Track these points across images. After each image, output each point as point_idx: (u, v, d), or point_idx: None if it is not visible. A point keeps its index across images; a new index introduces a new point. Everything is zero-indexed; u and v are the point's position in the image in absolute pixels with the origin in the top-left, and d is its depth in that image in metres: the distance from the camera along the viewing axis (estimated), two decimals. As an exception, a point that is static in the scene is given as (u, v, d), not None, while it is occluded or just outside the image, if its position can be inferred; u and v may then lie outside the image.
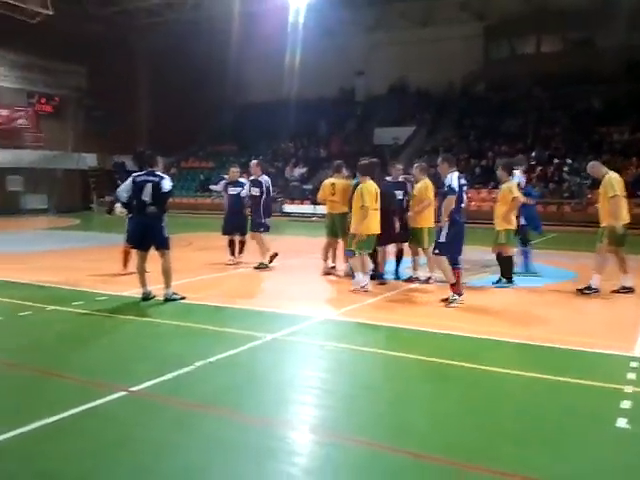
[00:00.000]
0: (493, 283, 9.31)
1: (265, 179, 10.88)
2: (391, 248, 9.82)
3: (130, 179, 8.14)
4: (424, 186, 9.24)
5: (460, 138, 28.82)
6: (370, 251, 8.99)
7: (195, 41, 31.73)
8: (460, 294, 7.88)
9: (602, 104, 26.81)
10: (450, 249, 7.94)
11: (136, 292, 8.43)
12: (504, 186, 9.13)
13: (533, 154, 25.29)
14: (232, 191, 11.53)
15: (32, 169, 28.91)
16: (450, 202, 7.76)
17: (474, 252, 11.16)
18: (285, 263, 11.43)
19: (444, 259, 7.91)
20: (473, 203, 21.45)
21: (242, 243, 11.65)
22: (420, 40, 30.70)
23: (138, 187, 7.96)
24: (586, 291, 8.51)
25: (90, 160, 31.78)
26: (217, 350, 5.74)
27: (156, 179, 7.94)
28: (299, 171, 29.60)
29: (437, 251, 7.97)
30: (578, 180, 23.25)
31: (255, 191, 10.75)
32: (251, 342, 6.13)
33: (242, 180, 11.65)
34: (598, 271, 8.53)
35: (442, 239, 7.88)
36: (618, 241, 8.42)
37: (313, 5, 24.99)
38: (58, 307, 7.72)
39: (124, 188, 8.14)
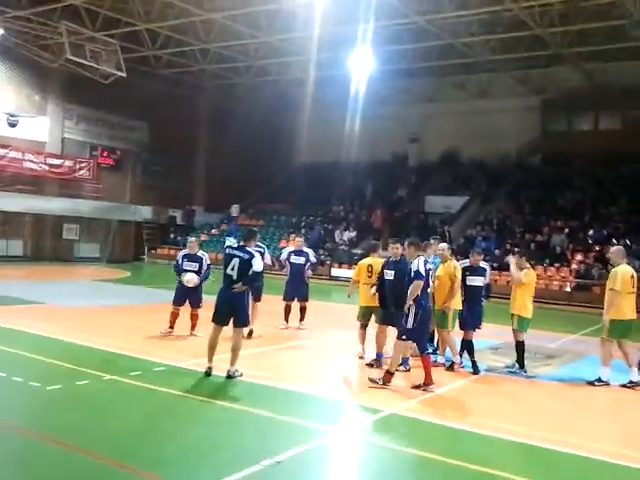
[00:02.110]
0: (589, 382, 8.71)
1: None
2: None
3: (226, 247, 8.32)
4: (451, 265, 9.18)
5: (515, 211, 28.39)
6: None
7: (255, 103, 32.66)
8: (430, 384, 7.75)
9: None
10: (417, 335, 7.84)
11: (193, 364, 8.29)
12: None
13: (591, 232, 24.67)
14: (295, 260, 12.01)
15: (89, 219, 29.68)
16: (417, 287, 7.67)
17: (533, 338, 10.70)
18: (344, 336, 11.17)
19: (405, 344, 7.94)
20: (541, 281, 20.56)
21: (303, 309, 12.06)
22: (476, 111, 30.80)
23: (227, 259, 7.93)
24: (596, 383, 8.47)
25: (146, 212, 32.47)
26: (283, 446, 5.45)
27: (246, 256, 7.84)
28: (348, 235, 29.54)
29: (404, 337, 7.82)
30: (638, 263, 22.44)
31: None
32: (318, 438, 5.84)
33: (305, 250, 12.24)
34: (605, 363, 8.53)
35: (409, 325, 7.74)
36: (620, 334, 8.49)
37: (372, 75, 25.43)
38: (116, 377, 7.58)
39: None
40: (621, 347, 8.60)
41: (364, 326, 9.52)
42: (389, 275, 8.56)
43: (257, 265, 7.83)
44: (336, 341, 11.25)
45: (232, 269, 7.84)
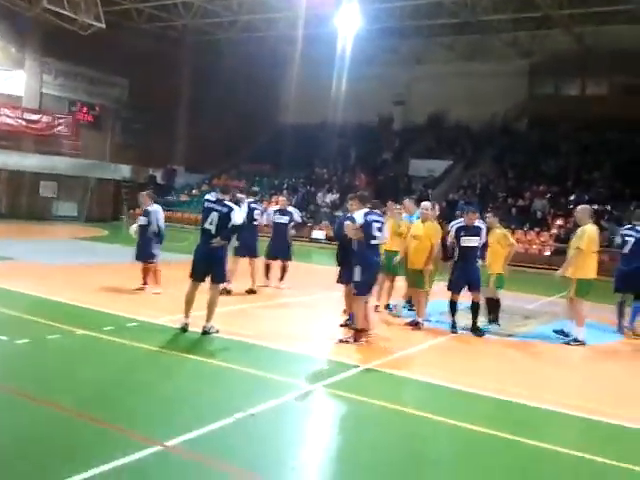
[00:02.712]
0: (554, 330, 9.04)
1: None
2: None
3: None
4: (432, 227, 9.03)
5: (498, 175, 28.30)
6: None
7: (239, 61, 31.92)
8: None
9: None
10: (366, 287, 7.72)
11: (168, 320, 8.12)
12: None
13: (572, 197, 24.67)
14: (279, 219, 11.84)
15: (66, 176, 29.07)
16: (347, 227, 7.62)
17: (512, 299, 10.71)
18: (324, 296, 11.06)
19: (361, 301, 7.71)
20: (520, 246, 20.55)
21: (284, 268, 11.93)
22: (464, 74, 30.39)
23: (205, 214, 7.68)
24: (572, 343, 8.48)
25: (125, 171, 31.87)
26: (258, 400, 5.33)
27: (224, 209, 7.61)
28: (331, 197, 29.31)
29: (354, 292, 7.73)
30: (618, 228, 22.52)
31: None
32: (292, 392, 5.74)
33: (290, 209, 12.08)
34: (579, 323, 8.55)
35: (356, 278, 7.64)
36: (584, 293, 8.59)
37: (360, 33, 24.87)
38: (88, 332, 7.38)
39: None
40: (574, 305, 8.66)
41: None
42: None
43: (236, 218, 7.62)
44: (315, 301, 11.12)
45: (210, 223, 7.61)
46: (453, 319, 8.82)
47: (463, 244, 8.72)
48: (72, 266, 13.40)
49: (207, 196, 7.99)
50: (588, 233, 8.54)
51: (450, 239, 8.89)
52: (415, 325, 8.86)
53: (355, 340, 7.68)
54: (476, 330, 8.66)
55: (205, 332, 7.59)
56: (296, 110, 34.22)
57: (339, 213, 26.70)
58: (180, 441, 4.38)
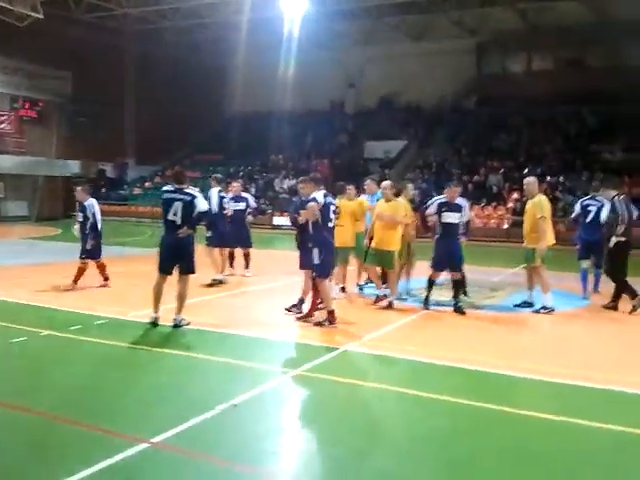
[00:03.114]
0: (515, 305, 9.13)
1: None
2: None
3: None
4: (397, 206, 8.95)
5: (452, 153, 28.62)
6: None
7: (185, 49, 31.28)
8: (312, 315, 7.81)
9: (595, 124, 26.80)
10: (326, 269, 7.68)
11: (134, 315, 7.91)
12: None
13: (525, 171, 25.14)
14: (235, 206, 11.47)
15: (13, 175, 28.03)
16: (311, 208, 7.52)
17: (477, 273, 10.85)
18: (291, 281, 10.95)
19: (325, 283, 7.67)
20: (478, 220, 20.84)
21: (246, 255, 11.77)
22: (412, 54, 30.51)
23: (166, 204, 7.44)
24: (542, 311, 8.63)
25: (73, 167, 30.93)
26: (238, 389, 5.22)
27: (187, 197, 7.40)
28: (288, 183, 29.12)
29: (314, 274, 7.73)
30: (572, 199, 23.11)
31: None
32: (273, 379, 5.66)
33: (244, 195, 11.85)
34: (546, 290, 8.75)
35: (316, 261, 7.62)
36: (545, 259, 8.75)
37: (307, 16, 24.61)
38: (55, 332, 7.12)
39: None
40: (538, 273, 8.80)
41: (340, 267, 9.46)
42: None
43: (201, 205, 7.45)
44: (283, 287, 10.99)
45: (175, 214, 7.39)
46: (428, 295, 8.82)
47: (444, 220, 8.59)
48: (26, 266, 12.92)
49: (165, 187, 7.75)
50: (545, 201, 8.76)
51: (431, 213, 8.79)
52: (388, 305, 8.84)
53: (330, 322, 7.63)
54: (458, 309, 8.58)
55: (176, 325, 7.41)
56: (246, 97, 33.71)
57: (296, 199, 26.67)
58: (165, 437, 4.25)
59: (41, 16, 22.95)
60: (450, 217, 8.60)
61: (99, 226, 10.12)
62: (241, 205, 11.65)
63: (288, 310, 8.33)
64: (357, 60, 32.72)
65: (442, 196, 8.84)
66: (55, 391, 5.34)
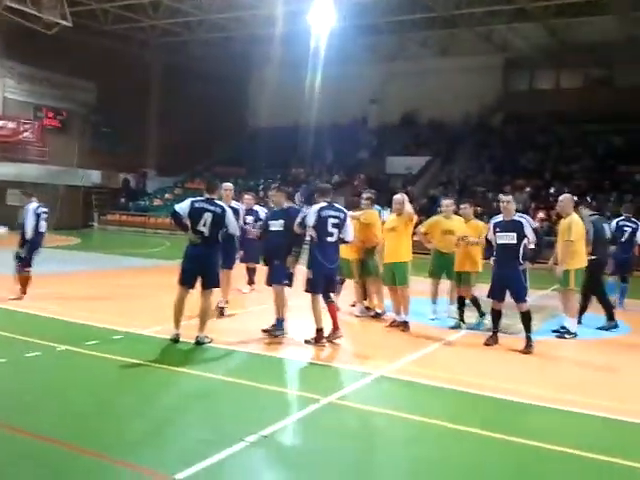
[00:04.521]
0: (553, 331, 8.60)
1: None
2: None
3: (188, 202, 7.20)
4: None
5: (477, 170, 28.13)
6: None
7: (210, 62, 31.21)
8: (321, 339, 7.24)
9: (623, 143, 26.20)
10: (318, 286, 7.29)
11: (155, 331, 7.53)
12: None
13: (552, 190, 24.59)
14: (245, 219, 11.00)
15: (34, 184, 27.97)
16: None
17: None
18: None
19: (317, 299, 7.32)
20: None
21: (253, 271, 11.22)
22: (437, 70, 30.18)
23: (196, 215, 7.06)
24: (567, 336, 8.32)
25: (95, 177, 30.92)
26: (268, 418, 4.78)
27: (218, 209, 7.09)
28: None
29: (306, 288, 7.38)
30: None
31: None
32: (305, 407, 5.19)
33: (255, 208, 10.94)
34: (572, 315, 8.49)
35: (309, 275, 7.30)
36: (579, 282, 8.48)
37: (332, 31, 24.35)
38: (70, 347, 6.75)
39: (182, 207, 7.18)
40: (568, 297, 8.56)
41: (356, 281, 9.23)
42: (276, 226, 7.65)
43: (232, 227, 7.26)
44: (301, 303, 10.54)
45: (204, 225, 7.04)
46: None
47: (499, 241, 7.54)
48: (44, 275, 12.58)
49: (193, 198, 7.39)
50: (575, 223, 8.39)
51: (489, 236, 7.82)
52: (404, 325, 8.30)
53: (316, 341, 7.20)
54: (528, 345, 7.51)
55: (198, 342, 7.02)
56: (270, 111, 33.51)
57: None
58: (190, 473, 3.82)
59: (70, 24, 22.92)
60: (504, 238, 7.49)
61: (28, 233, 9.45)
62: (249, 219, 11.08)
63: (265, 331, 7.73)
64: (381, 75, 32.44)
65: (498, 216, 7.78)
66: (68, 414, 4.93)
